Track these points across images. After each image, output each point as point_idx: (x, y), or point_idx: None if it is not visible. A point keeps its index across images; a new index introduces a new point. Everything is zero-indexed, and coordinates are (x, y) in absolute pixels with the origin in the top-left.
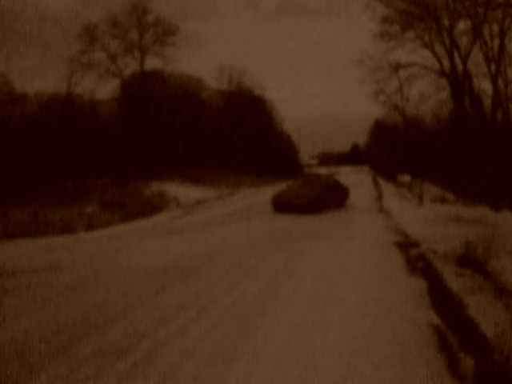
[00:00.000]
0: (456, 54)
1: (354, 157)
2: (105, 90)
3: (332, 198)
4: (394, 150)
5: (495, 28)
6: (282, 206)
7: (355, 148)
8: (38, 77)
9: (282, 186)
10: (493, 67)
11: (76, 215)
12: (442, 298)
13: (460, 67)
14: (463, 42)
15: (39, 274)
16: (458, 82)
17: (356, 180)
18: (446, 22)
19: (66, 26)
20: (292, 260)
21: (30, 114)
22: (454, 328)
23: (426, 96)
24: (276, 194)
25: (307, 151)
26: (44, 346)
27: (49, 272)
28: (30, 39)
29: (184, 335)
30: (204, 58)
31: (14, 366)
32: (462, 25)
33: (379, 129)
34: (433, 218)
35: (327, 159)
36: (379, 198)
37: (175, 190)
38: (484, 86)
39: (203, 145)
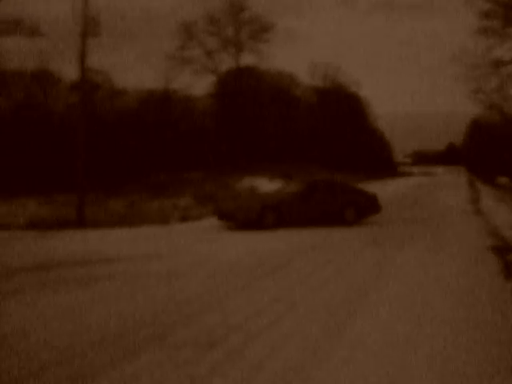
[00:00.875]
0: None
1: (449, 157)
2: (200, 85)
3: (315, 210)
4: (493, 150)
5: None
6: (222, 215)
7: (451, 147)
8: (138, 73)
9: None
10: None
11: (170, 207)
12: None
13: None
14: None
15: (136, 262)
16: None
17: (450, 181)
18: None
19: (166, 23)
20: (388, 257)
21: (128, 108)
22: None
23: None
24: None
25: (401, 149)
26: (141, 331)
27: (144, 261)
28: (131, 36)
29: (275, 329)
30: (298, 53)
31: (114, 348)
32: None
33: (477, 128)
34: None
35: (421, 158)
36: (475, 200)
37: (266, 185)
38: None
39: (294, 141)
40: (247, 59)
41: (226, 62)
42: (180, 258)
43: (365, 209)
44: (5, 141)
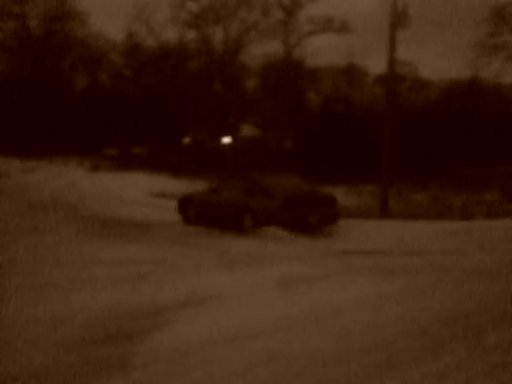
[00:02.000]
0: None
1: None
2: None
3: (218, 211)
4: None
5: None
6: None
7: None
8: (444, 63)
9: None
10: None
11: (474, 202)
12: None
13: None
14: None
15: (443, 256)
16: None
17: None
18: None
19: (475, 10)
20: None
21: (433, 99)
22: None
23: None
24: None
25: None
26: (448, 329)
27: (449, 256)
28: (438, 26)
29: None
30: None
31: (419, 342)
32: None
33: None
34: None
35: None
36: None
37: None
38: None
39: None
40: None
41: None
42: (484, 256)
43: (265, 216)
44: (315, 134)
